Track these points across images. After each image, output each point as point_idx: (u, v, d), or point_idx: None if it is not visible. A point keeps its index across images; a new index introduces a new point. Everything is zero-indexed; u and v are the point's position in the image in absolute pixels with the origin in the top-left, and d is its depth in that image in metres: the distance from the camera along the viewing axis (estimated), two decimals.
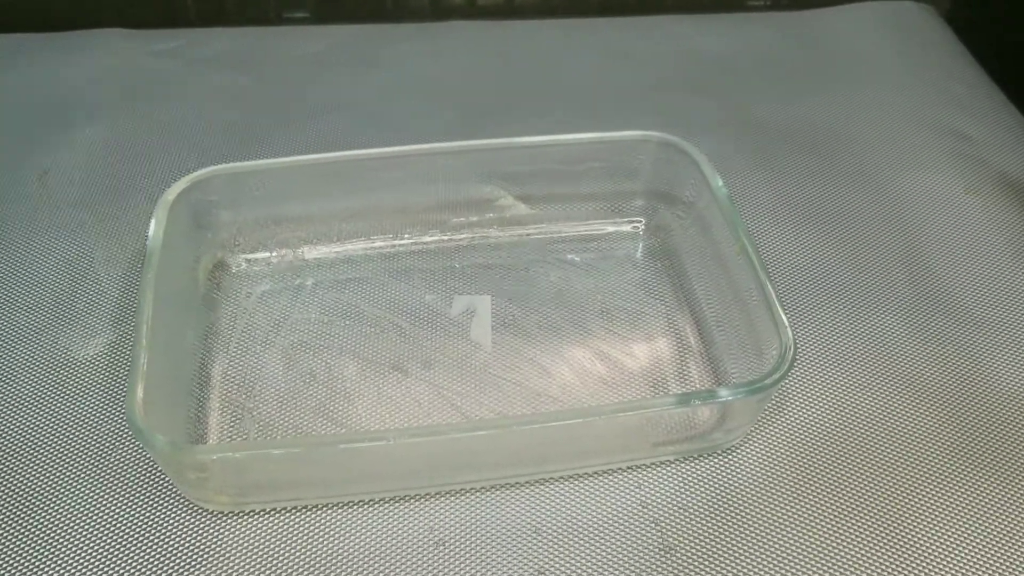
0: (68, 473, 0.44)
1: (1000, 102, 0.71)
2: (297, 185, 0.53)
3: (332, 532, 0.43)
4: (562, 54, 0.74)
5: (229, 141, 0.64)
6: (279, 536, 0.42)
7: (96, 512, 0.43)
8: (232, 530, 0.43)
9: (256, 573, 0.41)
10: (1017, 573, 0.42)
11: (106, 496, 0.44)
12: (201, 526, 0.43)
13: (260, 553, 0.42)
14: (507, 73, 0.72)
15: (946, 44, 0.77)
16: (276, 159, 0.57)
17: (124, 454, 0.45)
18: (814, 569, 0.42)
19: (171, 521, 0.43)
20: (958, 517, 0.44)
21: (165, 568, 0.41)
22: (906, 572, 0.42)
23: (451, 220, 0.57)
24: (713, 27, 0.78)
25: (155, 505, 0.43)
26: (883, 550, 0.42)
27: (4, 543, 0.42)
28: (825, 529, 0.43)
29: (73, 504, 0.43)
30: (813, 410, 0.48)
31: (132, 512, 0.43)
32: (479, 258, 0.56)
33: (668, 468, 0.46)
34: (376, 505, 0.44)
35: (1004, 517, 0.44)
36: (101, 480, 0.44)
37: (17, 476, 0.44)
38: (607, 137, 0.55)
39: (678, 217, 0.55)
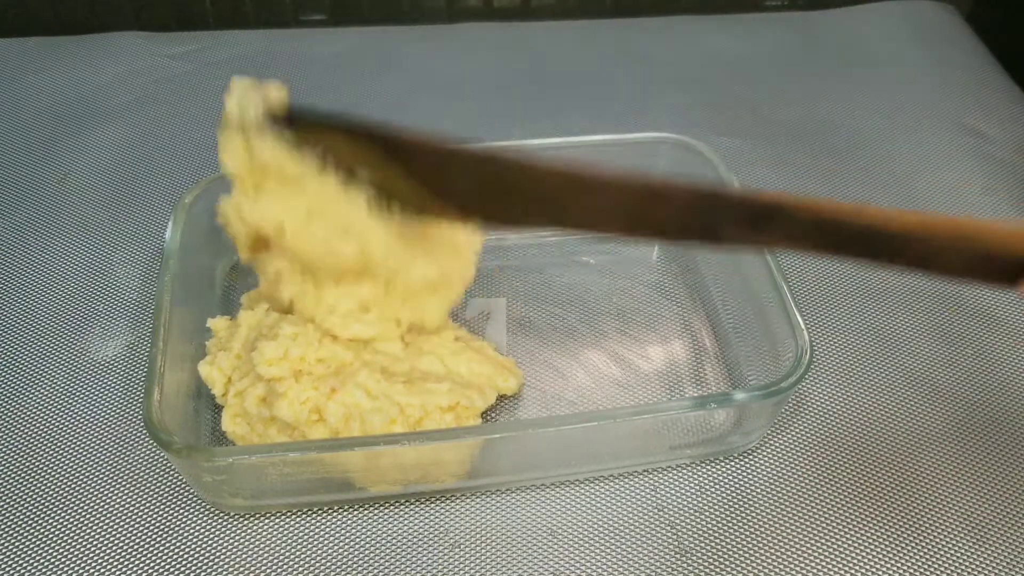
0: (85, 474, 0.45)
1: (1019, 102, 0.70)
2: None
3: (347, 534, 0.43)
4: (577, 55, 0.74)
5: None
6: (294, 538, 0.43)
7: (112, 512, 0.43)
8: (247, 532, 0.43)
9: (270, 575, 0.41)
10: None
11: (123, 497, 0.44)
12: (216, 528, 0.43)
13: (275, 555, 0.42)
14: (522, 74, 0.72)
15: (966, 43, 0.76)
16: None
17: (141, 456, 0.45)
18: (831, 572, 0.42)
19: (187, 523, 0.43)
20: (976, 518, 0.43)
21: (180, 570, 0.41)
22: (924, 574, 0.42)
23: None
24: (729, 27, 0.78)
25: (171, 507, 0.44)
26: (900, 552, 0.42)
27: (22, 542, 0.42)
28: (842, 532, 0.43)
29: (90, 504, 0.44)
30: (830, 412, 0.48)
31: (148, 513, 0.43)
32: (494, 260, 0.56)
33: (684, 471, 0.45)
34: (391, 507, 0.44)
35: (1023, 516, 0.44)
36: (118, 481, 0.45)
37: (35, 476, 0.45)
38: (623, 138, 0.55)
39: None
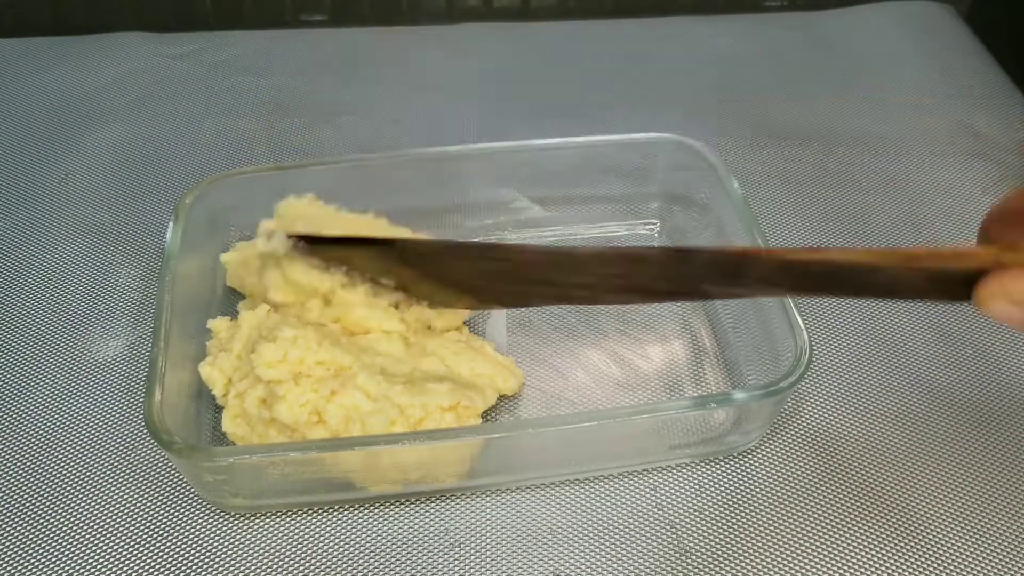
0: (85, 474, 0.45)
1: (1018, 102, 0.70)
2: (313, 188, 0.53)
3: (347, 534, 0.43)
4: (577, 56, 0.74)
5: (246, 144, 0.64)
6: (294, 538, 0.43)
7: (113, 512, 0.43)
8: (247, 532, 0.43)
9: (271, 575, 0.41)
10: None
11: (123, 497, 0.44)
12: (217, 528, 0.43)
13: (275, 555, 0.42)
14: (522, 75, 0.72)
15: (966, 43, 0.76)
16: (292, 162, 0.57)
17: (142, 456, 0.45)
18: (831, 572, 0.42)
19: (187, 523, 0.43)
20: (976, 518, 0.43)
21: (180, 569, 0.41)
22: (924, 574, 0.42)
23: (466, 223, 0.57)
24: (729, 28, 0.78)
25: (172, 506, 0.44)
26: (900, 553, 0.42)
27: (23, 541, 0.42)
28: (842, 531, 0.43)
29: (90, 504, 0.44)
30: (829, 412, 0.48)
31: (149, 513, 0.43)
32: None
33: (684, 471, 0.45)
34: (391, 507, 0.44)
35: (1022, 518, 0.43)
36: (118, 481, 0.45)
37: (36, 476, 0.45)
38: (622, 139, 0.55)
39: (693, 219, 0.55)
